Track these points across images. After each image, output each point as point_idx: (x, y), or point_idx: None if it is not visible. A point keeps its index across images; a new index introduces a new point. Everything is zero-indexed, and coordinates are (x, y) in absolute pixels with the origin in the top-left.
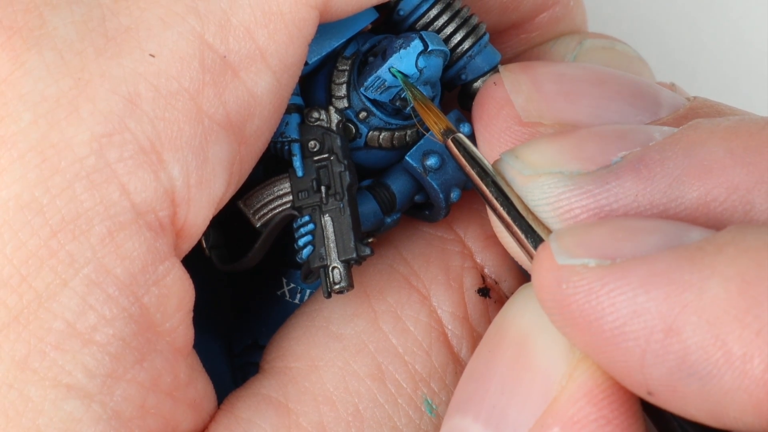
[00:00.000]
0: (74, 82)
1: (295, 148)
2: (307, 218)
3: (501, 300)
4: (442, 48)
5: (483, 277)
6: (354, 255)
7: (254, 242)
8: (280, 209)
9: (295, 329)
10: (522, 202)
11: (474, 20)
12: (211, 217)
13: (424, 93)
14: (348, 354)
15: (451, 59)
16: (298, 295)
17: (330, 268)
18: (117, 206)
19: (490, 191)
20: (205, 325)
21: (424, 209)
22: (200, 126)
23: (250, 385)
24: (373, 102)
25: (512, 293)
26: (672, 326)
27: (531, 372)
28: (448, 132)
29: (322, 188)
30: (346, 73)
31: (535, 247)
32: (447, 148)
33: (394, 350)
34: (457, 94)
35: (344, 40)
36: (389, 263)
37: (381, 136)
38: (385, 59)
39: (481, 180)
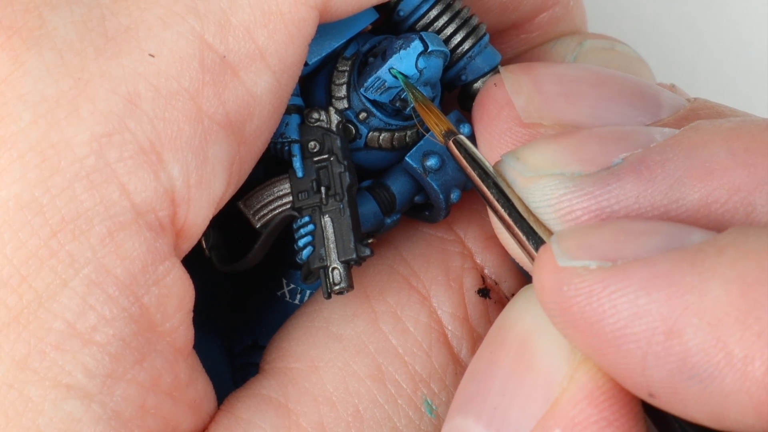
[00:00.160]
0: (74, 82)
1: (295, 148)
2: (307, 219)
3: (501, 301)
4: (442, 49)
5: (483, 278)
6: (354, 256)
7: (254, 243)
8: (280, 210)
9: (295, 330)
10: (523, 204)
11: (474, 21)
12: (210, 217)
13: (424, 94)
14: (348, 354)
15: (452, 60)
16: (298, 296)
17: (330, 269)
18: (117, 206)
19: (492, 193)
20: (205, 326)
21: (424, 210)
22: (200, 126)
23: (250, 386)
24: (373, 103)
25: (512, 294)
26: (673, 328)
27: (532, 373)
28: (449, 133)
29: (322, 189)
30: (346, 74)
31: (537, 249)
32: (448, 149)
33: (394, 351)
34: (457, 94)
35: (344, 40)
36: (389, 264)
37: (381, 137)
38: (385, 60)
39: (483, 181)
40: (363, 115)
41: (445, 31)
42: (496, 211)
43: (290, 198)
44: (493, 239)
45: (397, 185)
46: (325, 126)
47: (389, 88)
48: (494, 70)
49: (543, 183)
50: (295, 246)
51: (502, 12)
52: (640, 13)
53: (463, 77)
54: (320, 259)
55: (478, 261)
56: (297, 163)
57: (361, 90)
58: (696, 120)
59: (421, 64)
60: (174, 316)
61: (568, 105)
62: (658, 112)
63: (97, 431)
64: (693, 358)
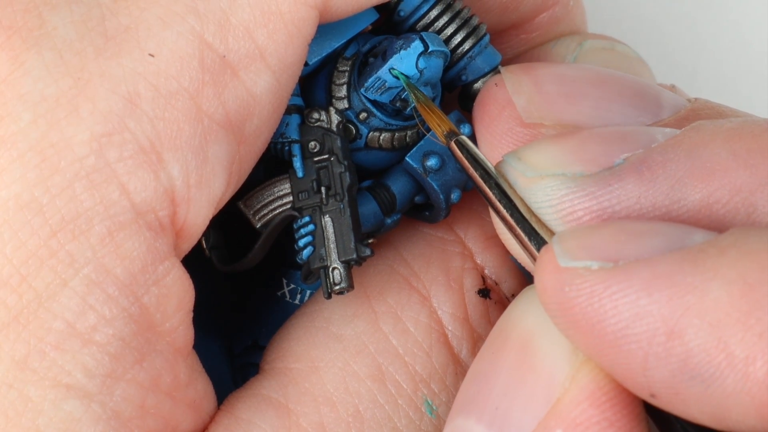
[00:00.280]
0: (74, 82)
1: (296, 148)
2: (307, 219)
3: (501, 301)
4: (443, 49)
5: (483, 278)
6: (354, 256)
7: (254, 243)
8: (281, 210)
9: (296, 330)
10: (525, 204)
11: (474, 21)
12: (210, 216)
13: (425, 94)
14: (348, 355)
15: (452, 60)
16: (299, 296)
17: (330, 269)
18: (117, 206)
19: (493, 193)
20: (205, 326)
21: (424, 210)
22: (200, 125)
23: (250, 386)
24: (374, 103)
25: (513, 294)
26: (674, 329)
27: (534, 374)
28: (451, 134)
29: (323, 189)
30: (347, 74)
31: (538, 250)
32: (450, 150)
33: (394, 351)
34: (457, 94)
35: (344, 40)
36: (389, 264)
37: (381, 137)
38: (385, 60)
39: (484, 182)
40: (363, 115)
41: (445, 32)
42: (498, 212)
43: (290, 198)
44: (494, 239)
45: (398, 185)
46: (326, 126)
47: (389, 88)
48: (494, 70)
49: (545, 183)
50: (295, 246)
51: (502, 12)
52: (640, 13)
53: (464, 77)
54: (320, 259)
55: (479, 261)
56: (297, 163)
57: (362, 90)
58: (697, 120)
59: (421, 64)
60: (174, 316)
61: (569, 105)
62: (659, 113)
63: (97, 431)
64: (694, 359)
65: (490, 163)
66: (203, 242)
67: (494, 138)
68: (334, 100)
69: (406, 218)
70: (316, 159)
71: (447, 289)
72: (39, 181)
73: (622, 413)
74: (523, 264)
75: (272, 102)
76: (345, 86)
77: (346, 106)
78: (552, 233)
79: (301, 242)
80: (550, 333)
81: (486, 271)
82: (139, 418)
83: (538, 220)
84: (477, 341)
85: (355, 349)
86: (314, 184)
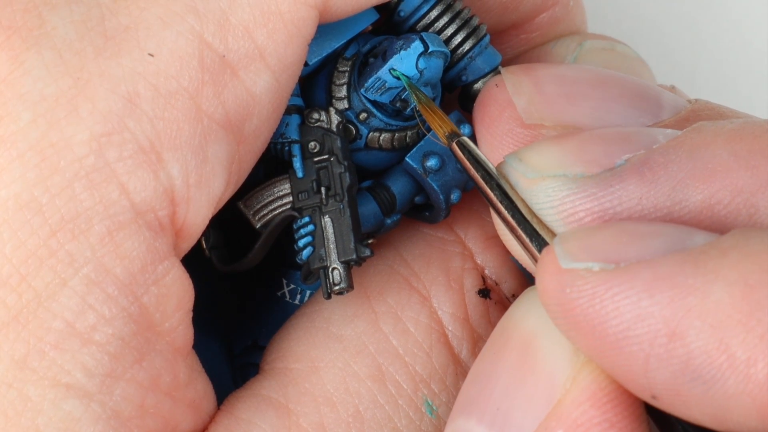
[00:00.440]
0: (73, 82)
1: (295, 149)
2: (307, 219)
3: (502, 301)
4: (443, 49)
5: (483, 278)
6: (354, 256)
7: (254, 243)
8: (280, 210)
9: (295, 330)
10: (526, 205)
11: (474, 21)
12: (210, 216)
13: (425, 94)
14: (348, 355)
15: (452, 60)
16: (298, 296)
17: (330, 269)
18: (116, 205)
19: (495, 194)
20: (205, 326)
21: (424, 210)
22: (199, 125)
23: (250, 386)
24: (374, 103)
25: (513, 294)
26: (676, 330)
27: (535, 374)
28: (452, 135)
29: (322, 189)
30: (347, 74)
31: (540, 251)
32: (452, 151)
33: (394, 351)
34: (457, 95)
35: (345, 41)
36: (389, 264)
37: (381, 137)
38: (385, 60)
39: (486, 183)
40: (363, 115)
41: (445, 32)
42: (499, 213)
43: (290, 198)
44: (494, 240)
45: (398, 186)
46: (326, 126)
47: (390, 88)
48: (495, 70)
49: (546, 184)
50: (295, 246)
51: (502, 12)
52: (640, 13)
53: (464, 78)
54: (320, 260)
55: (479, 261)
56: (297, 163)
57: (362, 90)
58: (697, 121)
59: (421, 64)
60: (173, 316)
61: (570, 106)
62: (660, 113)
63: (97, 431)
64: (696, 361)
65: (491, 165)
66: (203, 242)
67: (495, 139)
68: (334, 101)
69: (406, 218)
70: (316, 159)
71: (447, 290)
72: (38, 180)
73: (623, 414)
74: (524, 265)
75: (272, 102)
76: (345, 86)
77: (346, 106)
78: (553, 234)
79: (301, 242)
80: (551, 334)
81: (486, 272)
82: (138, 417)
83: (540, 221)
84: (477, 341)
85: (355, 350)
86: (314, 184)
